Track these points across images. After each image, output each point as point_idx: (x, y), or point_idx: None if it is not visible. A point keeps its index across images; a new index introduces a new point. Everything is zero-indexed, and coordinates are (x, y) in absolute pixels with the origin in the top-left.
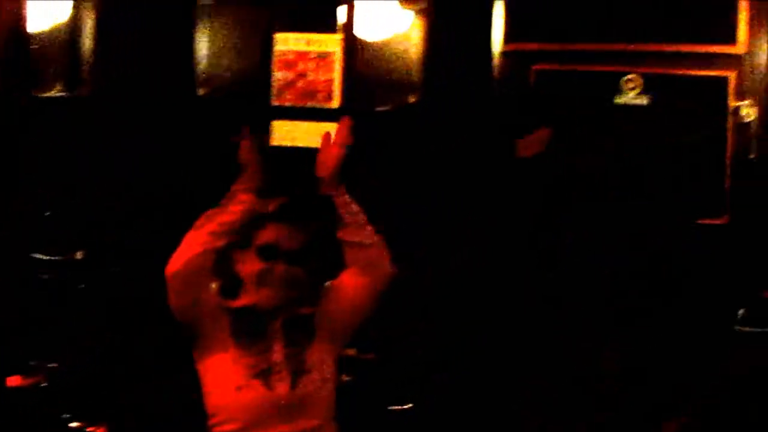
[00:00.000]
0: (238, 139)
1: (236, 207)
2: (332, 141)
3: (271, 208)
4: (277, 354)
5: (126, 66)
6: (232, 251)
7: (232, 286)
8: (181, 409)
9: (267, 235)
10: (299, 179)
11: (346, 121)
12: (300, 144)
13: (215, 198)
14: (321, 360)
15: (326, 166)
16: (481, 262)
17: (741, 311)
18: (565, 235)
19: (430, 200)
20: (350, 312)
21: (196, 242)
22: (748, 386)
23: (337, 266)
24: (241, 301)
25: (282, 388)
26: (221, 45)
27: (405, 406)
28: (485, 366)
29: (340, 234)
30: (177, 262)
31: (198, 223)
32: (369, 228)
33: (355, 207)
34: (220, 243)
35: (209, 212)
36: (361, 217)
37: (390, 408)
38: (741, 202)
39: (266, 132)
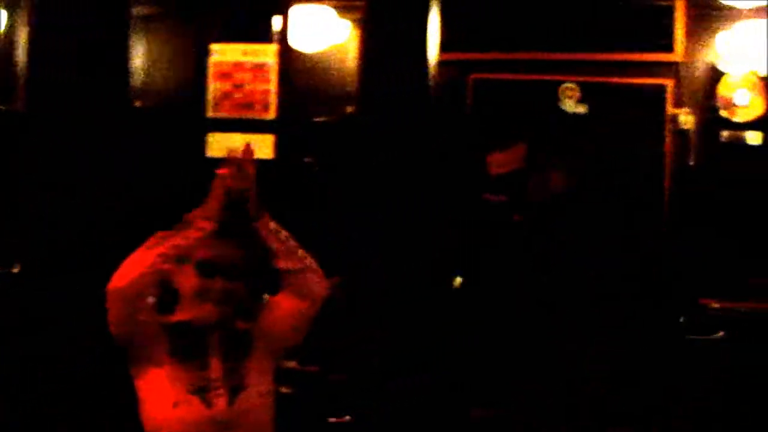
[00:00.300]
0: (224, 169)
1: (193, 234)
2: (238, 175)
3: (208, 224)
4: (215, 370)
5: (60, 79)
6: (171, 267)
7: (168, 299)
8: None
9: (205, 250)
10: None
11: (249, 148)
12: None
13: (152, 209)
14: (259, 375)
15: (220, 199)
16: (424, 270)
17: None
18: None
19: (370, 210)
20: (287, 330)
21: (143, 262)
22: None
23: (275, 280)
24: (178, 317)
25: (220, 404)
26: (157, 56)
27: (344, 419)
28: (429, 377)
29: (272, 262)
30: (121, 280)
31: (149, 243)
32: (299, 253)
33: (282, 235)
34: (168, 266)
35: (162, 234)
36: (290, 244)
37: (330, 420)
38: (679, 209)
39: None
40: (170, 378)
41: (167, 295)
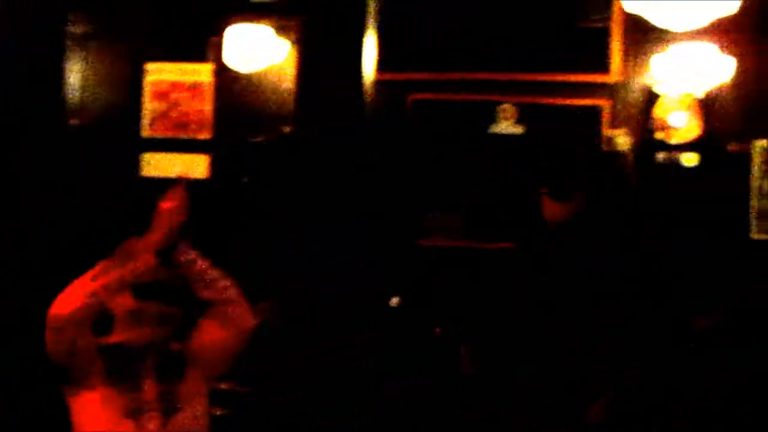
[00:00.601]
0: (169, 202)
1: (138, 267)
2: (169, 208)
3: (145, 247)
4: (149, 393)
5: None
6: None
7: (103, 321)
8: None
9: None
10: None
11: (181, 190)
12: (172, 175)
13: (86, 227)
14: (193, 396)
15: (164, 232)
16: (358, 290)
17: None
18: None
19: (306, 230)
20: (215, 356)
21: (86, 292)
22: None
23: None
24: (113, 338)
25: (153, 426)
26: (94, 74)
27: None
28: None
29: (195, 291)
30: (62, 308)
31: (92, 273)
32: (222, 284)
33: (200, 265)
34: (111, 297)
35: (107, 264)
36: (210, 273)
37: None
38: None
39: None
40: (104, 401)
41: (102, 317)
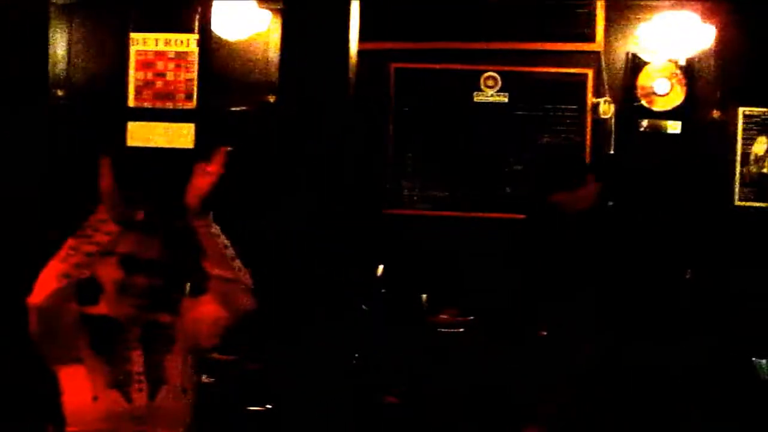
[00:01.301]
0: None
1: (102, 238)
2: (206, 170)
3: (138, 217)
4: (136, 364)
5: None
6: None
7: (90, 291)
8: None
9: (127, 244)
10: (156, 182)
11: (222, 152)
12: (157, 145)
13: (72, 196)
14: (180, 369)
15: (195, 194)
16: (341, 261)
17: None
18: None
19: (288, 198)
20: (211, 329)
21: (60, 274)
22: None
23: (201, 282)
24: (100, 309)
25: (140, 399)
26: (79, 45)
27: (264, 407)
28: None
29: (203, 264)
30: (40, 294)
31: (62, 254)
32: (235, 263)
33: (221, 240)
34: (86, 273)
35: (72, 243)
36: (228, 251)
37: (249, 408)
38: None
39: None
40: (91, 371)
41: (89, 286)
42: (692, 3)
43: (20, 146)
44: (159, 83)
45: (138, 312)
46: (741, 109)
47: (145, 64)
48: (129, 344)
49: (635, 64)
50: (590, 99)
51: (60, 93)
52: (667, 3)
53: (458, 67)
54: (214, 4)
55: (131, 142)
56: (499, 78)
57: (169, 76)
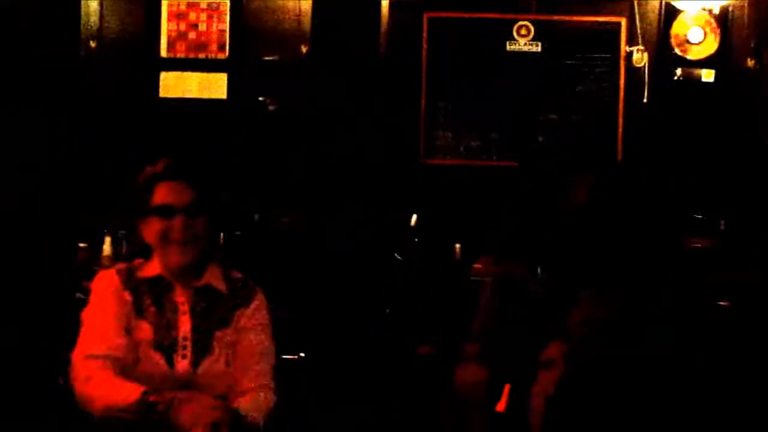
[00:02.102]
0: None
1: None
2: None
3: (159, 168)
4: (183, 330)
5: (9, 22)
6: (137, 222)
7: (142, 253)
8: None
9: (160, 195)
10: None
11: None
12: (189, 95)
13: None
14: (228, 345)
15: None
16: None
17: None
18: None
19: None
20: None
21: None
22: None
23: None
24: (151, 271)
25: (182, 366)
26: None
27: (297, 356)
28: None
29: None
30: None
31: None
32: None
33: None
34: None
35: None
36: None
37: (283, 357)
38: (633, 146)
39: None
40: (136, 331)
41: (141, 247)
42: None
43: (56, 98)
44: (192, 34)
45: (185, 258)
46: None
47: (177, 15)
48: (179, 309)
49: (669, 13)
50: (624, 48)
51: (93, 44)
52: None
53: (491, 15)
54: None
55: (164, 93)
56: (531, 27)
57: (202, 27)
